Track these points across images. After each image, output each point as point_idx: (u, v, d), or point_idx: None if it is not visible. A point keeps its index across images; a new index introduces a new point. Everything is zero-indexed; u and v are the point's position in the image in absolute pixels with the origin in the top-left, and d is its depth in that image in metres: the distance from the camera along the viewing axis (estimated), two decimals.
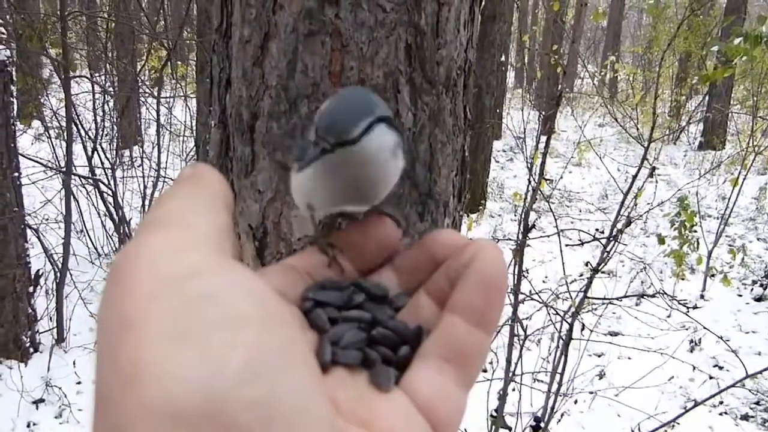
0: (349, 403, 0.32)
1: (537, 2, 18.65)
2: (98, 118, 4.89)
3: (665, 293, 1.96)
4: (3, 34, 3.28)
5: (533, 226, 2.01)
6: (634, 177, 2.72)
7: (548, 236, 2.19)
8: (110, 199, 4.40)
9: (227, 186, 0.34)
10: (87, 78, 4.84)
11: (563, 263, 3.05)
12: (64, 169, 3.40)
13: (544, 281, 5.45)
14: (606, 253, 2.07)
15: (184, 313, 0.24)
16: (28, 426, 3.48)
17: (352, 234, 0.42)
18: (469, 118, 0.88)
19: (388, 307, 0.38)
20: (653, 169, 2.01)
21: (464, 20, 0.80)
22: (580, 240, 2.00)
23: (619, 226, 2.58)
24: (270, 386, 0.24)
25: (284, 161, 0.77)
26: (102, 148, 4.67)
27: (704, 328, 2.08)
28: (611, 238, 2.03)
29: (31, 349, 3.86)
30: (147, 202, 4.78)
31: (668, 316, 4.81)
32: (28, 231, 3.82)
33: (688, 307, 1.88)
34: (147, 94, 5.23)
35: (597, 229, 2.10)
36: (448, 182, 0.85)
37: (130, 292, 0.25)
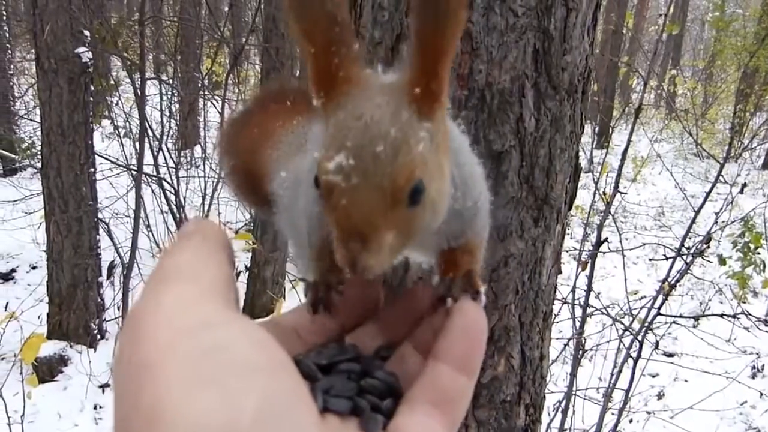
0: None
1: None
2: (164, 119, 5.07)
3: (749, 315, 1.88)
4: (87, 37, 3.47)
5: (606, 239, 1.97)
6: (708, 193, 2.63)
7: (630, 250, 2.13)
8: (173, 198, 4.54)
9: (228, 238, 0.36)
10: (158, 79, 5.04)
11: (625, 279, 2.98)
12: (136, 168, 3.55)
13: (596, 297, 5.31)
14: (686, 270, 2.00)
15: (200, 361, 0.26)
16: (95, 408, 3.63)
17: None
18: (583, 125, 0.87)
19: (376, 358, 0.40)
20: (743, 186, 1.94)
21: (588, 26, 0.80)
22: (664, 255, 1.95)
23: (688, 243, 2.49)
24: (280, 429, 0.26)
25: None
26: (167, 148, 4.85)
27: None
28: (696, 254, 1.96)
29: (99, 336, 4.05)
30: (207, 203, 4.92)
31: (729, 340, 4.59)
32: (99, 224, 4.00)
33: None
34: (210, 96, 5.40)
35: (683, 245, 2.03)
36: (563, 189, 0.85)
37: (148, 341, 0.27)
